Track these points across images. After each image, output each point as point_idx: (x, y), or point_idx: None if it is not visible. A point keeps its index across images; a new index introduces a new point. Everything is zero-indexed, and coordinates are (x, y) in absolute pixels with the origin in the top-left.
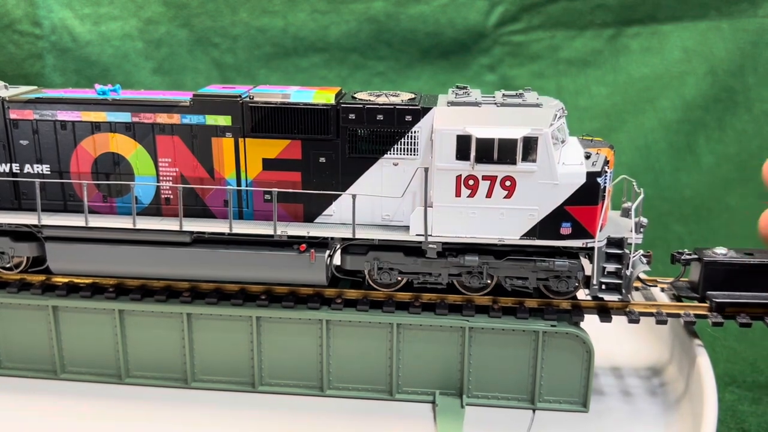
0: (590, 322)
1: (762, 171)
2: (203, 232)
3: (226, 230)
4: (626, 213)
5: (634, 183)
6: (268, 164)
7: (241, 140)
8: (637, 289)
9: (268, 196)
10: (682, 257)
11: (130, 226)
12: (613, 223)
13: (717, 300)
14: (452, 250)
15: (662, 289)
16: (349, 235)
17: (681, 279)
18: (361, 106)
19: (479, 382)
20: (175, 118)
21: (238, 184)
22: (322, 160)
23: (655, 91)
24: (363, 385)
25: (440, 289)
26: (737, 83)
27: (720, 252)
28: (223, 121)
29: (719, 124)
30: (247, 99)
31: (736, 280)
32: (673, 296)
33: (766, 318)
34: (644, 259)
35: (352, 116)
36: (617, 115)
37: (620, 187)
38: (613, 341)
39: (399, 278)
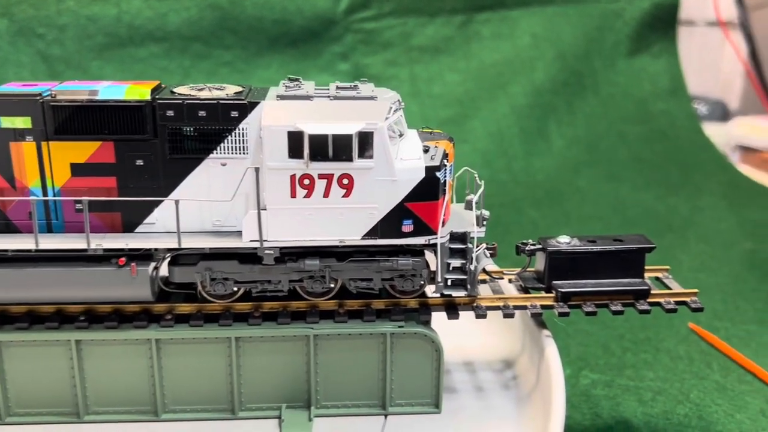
0: (441, 320)
1: None
2: (5, 250)
3: (32, 246)
4: (470, 206)
5: (476, 175)
6: (78, 170)
7: (44, 144)
8: (484, 282)
9: (79, 206)
10: (527, 248)
11: None
12: (457, 216)
13: (562, 290)
14: (291, 254)
15: (510, 281)
16: (175, 245)
17: (527, 269)
18: (180, 101)
19: (328, 392)
20: None
21: (44, 193)
22: (140, 162)
23: (506, 77)
24: (202, 406)
25: (281, 296)
26: (584, 67)
27: (563, 241)
28: (22, 123)
29: (569, 107)
30: (49, 97)
31: (581, 268)
32: (521, 287)
33: (610, 305)
34: (488, 253)
35: (170, 113)
36: (470, 102)
37: (464, 179)
38: (464, 337)
39: (235, 288)
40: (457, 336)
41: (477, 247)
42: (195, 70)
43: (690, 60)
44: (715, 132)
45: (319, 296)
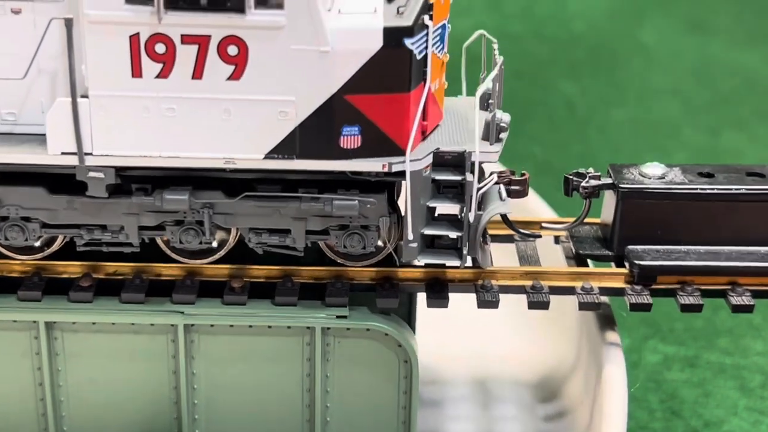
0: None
1: None
2: None
3: None
4: (486, 101)
5: (495, 45)
6: None
7: None
8: (511, 239)
9: None
10: (583, 183)
11: None
12: (457, 119)
13: (642, 262)
14: (142, 180)
15: (558, 240)
16: None
17: (585, 221)
18: None
19: (211, 429)
20: None
21: None
22: None
23: None
24: None
25: (129, 255)
26: None
27: (653, 173)
28: None
29: None
30: None
31: (683, 225)
32: (572, 253)
33: (731, 293)
34: (503, 191)
35: None
36: None
37: (477, 51)
38: (469, 336)
39: (42, 235)
40: (456, 335)
41: (483, 179)
42: None
43: None
44: None
45: (197, 257)
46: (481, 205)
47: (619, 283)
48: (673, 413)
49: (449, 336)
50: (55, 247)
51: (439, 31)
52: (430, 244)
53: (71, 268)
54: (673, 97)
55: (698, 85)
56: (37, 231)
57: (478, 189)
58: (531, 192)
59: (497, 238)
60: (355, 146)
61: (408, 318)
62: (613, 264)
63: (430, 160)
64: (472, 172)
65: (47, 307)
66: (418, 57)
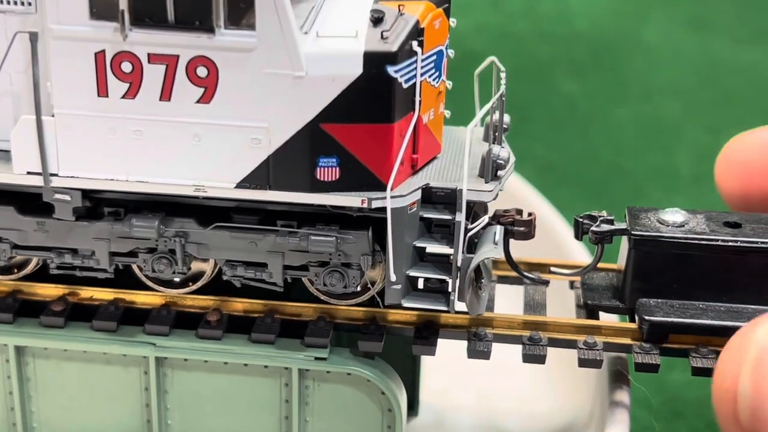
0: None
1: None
2: None
3: None
4: (494, 132)
5: (503, 72)
6: None
7: None
8: (520, 281)
9: None
10: (593, 228)
11: None
12: (461, 154)
13: (653, 318)
14: (115, 204)
15: (572, 285)
16: None
17: (598, 266)
18: None
19: None
20: None
21: None
22: None
23: None
24: None
25: (105, 280)
26: None
27: (672, 219)
28: None
29: None
30: None
31: (703, 279)
32: (581, 302)
33: None
34: (499, 233)
35: None
36: None
37: (488, 78)
38: (472, 380)
39: (13, 255)
40: (466, 379)
41: (477, 220)
42: None
43: None
44: None
45: (179, 286)
46: (475, 246)
47: (626, 340)
48: (676, 414)
49: (459, 380)
50: (29, 269)
51: (433, 57)
52: (419, 287)
53: (47, 291)
54: (676, 95)
55: (701, 84)
56: (8, 252)
57: (468, 230)
58: (549, 208)
59: (506, 280)
60: (333, 179)
61: (413, 359)
62: (627, 317)
63: (417, 196)
64: (465, 211)
65: (17, 330)
66: (405, 86)
